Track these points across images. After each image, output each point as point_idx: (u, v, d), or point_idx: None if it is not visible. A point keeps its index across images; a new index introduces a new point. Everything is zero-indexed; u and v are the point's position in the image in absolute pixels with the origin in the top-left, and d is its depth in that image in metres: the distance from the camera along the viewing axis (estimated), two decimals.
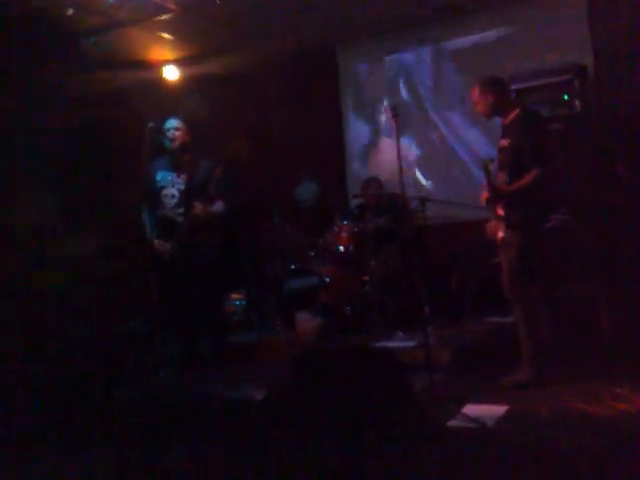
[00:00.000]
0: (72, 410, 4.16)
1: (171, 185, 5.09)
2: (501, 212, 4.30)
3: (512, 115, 4.37)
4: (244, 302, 6.73)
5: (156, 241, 5.01)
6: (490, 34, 6.78)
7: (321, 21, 6.64)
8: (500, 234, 4.34)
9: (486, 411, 3.79)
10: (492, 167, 4.30)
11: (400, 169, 4.22)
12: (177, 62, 7.29)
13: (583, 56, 6.05)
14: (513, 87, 5.49)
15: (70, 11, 5.79)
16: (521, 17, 6.56)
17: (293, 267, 6.28)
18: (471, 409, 3.83)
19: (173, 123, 5.12)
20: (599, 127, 5.94)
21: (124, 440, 3.80)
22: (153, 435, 3.80)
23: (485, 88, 4.44)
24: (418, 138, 7.26)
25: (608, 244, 5.40)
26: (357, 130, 7.75)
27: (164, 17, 6.07)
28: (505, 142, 4.35)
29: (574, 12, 6.23)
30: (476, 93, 4.46)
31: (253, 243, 6.76)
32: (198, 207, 4.95)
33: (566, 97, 5.74)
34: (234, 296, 6.75)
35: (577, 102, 5.73)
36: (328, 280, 5.95)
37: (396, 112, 4.31)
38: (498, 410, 3.82)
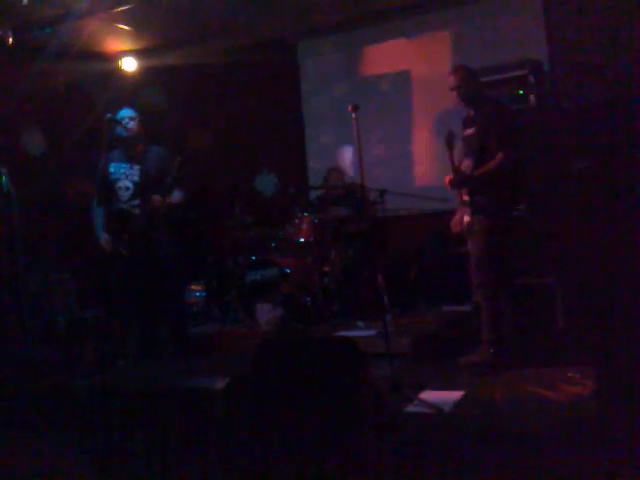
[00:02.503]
0: (28, 399, 4.13)
1: (125, 177, 5.05)
2: (466, 198, 4.40)
3: (480, 106, 4.46)
4: (204, 293, 6.74)
5: (104, 237, 4.95)
6: (444, 31, 6.89)
7: (282, 16, 6.67)
8: (466, 219, 4.44)
9: (443, 397, 3.88)
10: (456, 149, 4.40)
11: (360, 161, 4.28)
12: (136, 53, 7.25)
13: (538, 51, 6.19)
14: None
15: (25, 1, 5.69)
16: (476, 14, 6.67)
17: (253, 258, 6.31)
18: (428, 395, 3.92)
19: (128, 112, 5.08)
20: (553, 121, 6.08)
21: (83, 430, 3.79)
22: (112, 426, 3.80)
23: (471, 74, 4.50)
24: (379, 132, 7.33)
25: (562, 235, 5.55)
26: (317, 122, 7.80)
27: (122, 8, 6.02)
28: (470, 131, 4.45)
29: (530, 8, 6.37)
30: (461, 77, 4.48)
31: (213, 234, 6.77)
32: (155, 199, 4.93)
33: (521, 92, 5.86)
34: (194, 287, 6.75)
35: (532, 97, 5.86)
36: (288, 271, 6.00)
37: (356, 106, 4.36)
38: (454, 395, 3.91)
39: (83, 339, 5.40)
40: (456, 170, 4.37)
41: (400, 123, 7.25)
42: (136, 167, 5.05)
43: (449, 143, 4.35)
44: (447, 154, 4.37)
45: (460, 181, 4.38)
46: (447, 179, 4.44)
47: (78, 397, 4.18)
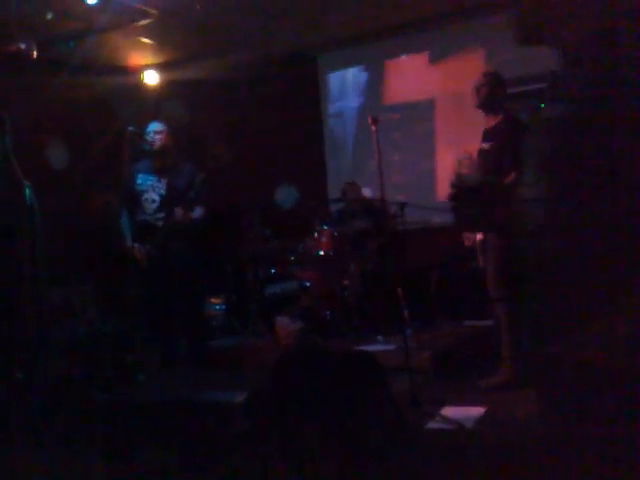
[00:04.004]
0: (49, 411, 4.14)
1: (152, 189, 5.08)
2: None
3: (497, 119, 4.42)
4: (224, 307, 6.74)
5: (135, 246, 4.99)
6: (470, 45, 6.86)
7: (301, 28, 6.70)
8: (479, 236, 4.40)
9: (464, 413, 3.85)
10: (469, 166, 4.37)
11: (380, 174, 4.27)
12: (157, 67, 7.30)
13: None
14: None
15: (49, 15, 5.75)
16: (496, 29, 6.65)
17: (273, 271, 6.31)
18: (450, 411, 3.88)
19: (154, 126, 5.11)
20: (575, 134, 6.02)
21: (103, 443, 3.79)
22: (133, 438, 3.80)
23: (496, 80, 4.46)
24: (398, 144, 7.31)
25: (585, 249, 5.48)
26: (337, 136, 7.81)
27: (145, 22, 6.07)
28: (486, 145, 4.40)
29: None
30: (488, 79, 4.45)
31: (233, 247, 6.78)
32: (179, 213, 4.94)
33: (542, 105, 5.82)
34: (214, 301, 6.76)
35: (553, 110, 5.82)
36: (308, 284, 5.99)
37: (376, 119, 4.35)
38: (476, 412, 3.87)
39: (103, 352, 5.42)
40: (458, 184, 4.34)
41: (422, 138, 7.23)
42: (163, 180, 5.07)
43: (459, 167, 4.37)
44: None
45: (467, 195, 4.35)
46: (449, 194, 4.41)
47: (98, 409, 4.18)
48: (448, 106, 7.02)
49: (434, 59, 7.16)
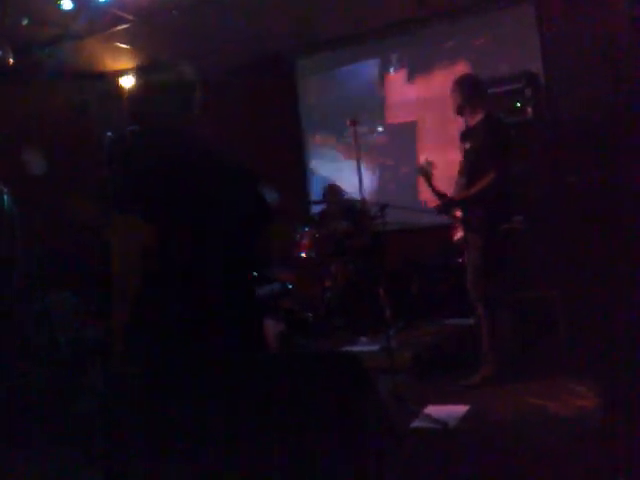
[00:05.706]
0: (31, 418, 4.12)
1: None
2: (459, 214, 4.41)
3: (477, 119, 4.44)
4: None
5: None
6: (444, 45, 6.88)
7: (279, 33, 6.69)
8: (459, 234, 4.45)
9: (448, 411, 3.88)
10: (431, 169, 4.45)
11: (360, 176, 4.29)
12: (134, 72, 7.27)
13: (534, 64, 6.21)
14: None
15: (25, 21, 5.72)
16: (473, 27, 6.68)
17: (255, 274, 6.30)
18: (433, 409, 3.91)
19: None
20: (550, 134, 6.09)
21: (86, 450, 3.78)
22: (116, 446, 3.78)
23: (477, 83, 4.52)
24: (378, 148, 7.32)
25: (562, 247, 5.56)
26: (317, 139, 7.81)
27: (121, 27, 6.05)
28: (467, 145, 4.44)
29: (525, 20, 6.38)
30: (466, 84, 4.49)
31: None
32: None
33: (518, 105, 5.88)
34: None
35: (529, 109, 5.87)
36: (290, 286, 6.00)
37: (355, 121, 4.36)
38: (459, 410, 3.90)
39: (85, 358, 5.39)
40: (440, 195, 4.40)
41: (403, 138, 7.24)
42: None
43: (424, 174, 4.41)
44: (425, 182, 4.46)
45: (447, 206, 4.41)
46: (433, 204, 4.47)
47: (81, 417, 4.16)
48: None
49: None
